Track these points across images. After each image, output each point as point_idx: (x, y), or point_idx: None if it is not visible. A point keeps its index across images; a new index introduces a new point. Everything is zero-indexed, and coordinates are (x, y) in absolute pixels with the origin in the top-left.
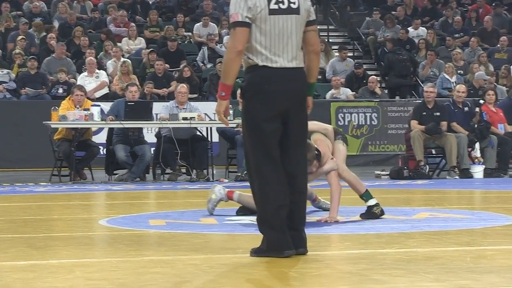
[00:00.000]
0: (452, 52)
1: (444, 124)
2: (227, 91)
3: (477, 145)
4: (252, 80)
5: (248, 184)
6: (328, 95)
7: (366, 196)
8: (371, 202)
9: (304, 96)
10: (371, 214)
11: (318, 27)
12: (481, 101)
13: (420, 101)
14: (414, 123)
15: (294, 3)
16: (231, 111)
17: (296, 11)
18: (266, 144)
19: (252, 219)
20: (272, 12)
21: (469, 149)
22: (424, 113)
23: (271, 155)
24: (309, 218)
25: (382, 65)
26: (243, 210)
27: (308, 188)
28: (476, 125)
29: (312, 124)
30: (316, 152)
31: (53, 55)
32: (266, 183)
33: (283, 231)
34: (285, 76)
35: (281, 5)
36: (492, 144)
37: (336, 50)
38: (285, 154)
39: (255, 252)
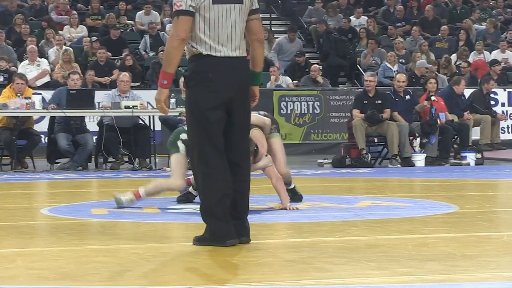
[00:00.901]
0: (394, 41)
1: (387, 111)
2: (168, 79)
3: (417, 140)
4: (196, 69)
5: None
6: (268, 84)
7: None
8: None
9: (248, 86)
10: (297, 195)
11: (262, 16)
12: (433, 98)
13: (361, 90)
14: (355, 111)
15: None
16: (172, 100)
17: (240, 1)
18: (210, 133)
19: (195, 207)
20: (215, 1)
21: (411, 138)
22: (365, 102)
23: (215, 144)
24: (254, 207)
25: (322, 47)
26: (183, 196)
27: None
28: (423, 119)
29: (252, 116)
30: (255, 148)
31: None
32: (210, 172)
33: (226, 220)
34: (229, 65)
35: None
36: (432, 142)
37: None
38: (229, 143)
39: (198, 241)
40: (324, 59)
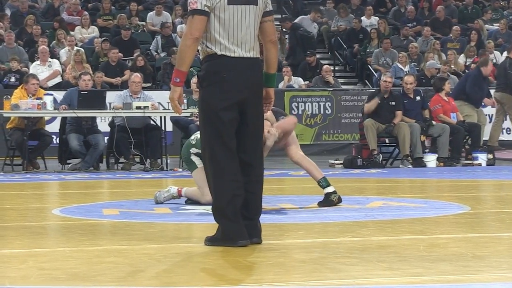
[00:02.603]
0: (408, 44)
1: (398, 115)
2: (182, 77)
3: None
4: (210, 69)
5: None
6: (280, 85)
7: (323, 182)
8: (329, 189)
9: (261, 87)
10: (329, 202)
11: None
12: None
13: (374, 90)
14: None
15: None
16: (184, 100)
17: (254, 2)
18: (222, 133)
19: (206, 208)
20: (231, 2)
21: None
22: (379, 102)
23: (227, 145)
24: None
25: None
26: (191, 200)
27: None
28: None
29: None
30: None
31: (4, 43)
32: (221, 172)
33: (238, 221)
34: (243, 66)
35: None
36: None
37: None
38: (241, 143)
39: (210, 241)
40: (290, 55)
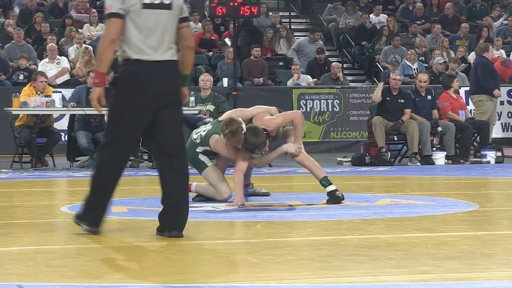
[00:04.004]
0: (414, 38)
1: (407, 112)
2: (101, 78)
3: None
4: (126, 73)
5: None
6: (289, 83)
7: (325, 181)
8: (331, 188)
9: (178, 87)
10: (336, 198)
11: (281, 14)
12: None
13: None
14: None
15: (168, 0)
16: (192, 98)
17: (169, 7)
18: (129, 129)
19: (214, 205)
20: (145, 6)
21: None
22: (388, 99)
23: (128, 140)
24: (273, 205)
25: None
26: (199, 197)
27: (241, 173)
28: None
29: (255, 108)
30: (265, 132)
31: (13, 41)
32: (106, 164)
33: (102, 213)
34: (158, 69)
35: (154, 0)
36: None
37: (299, 37)
38: (162, 139)
39: (76, 217)
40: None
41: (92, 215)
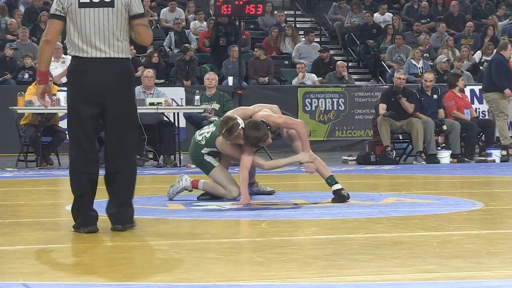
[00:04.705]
0: (418, 37)
1: (412, 106)
2: (41, 76)
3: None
4: (69, 71)
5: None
6: (294, 81)
7: (331, 180)
8: (337, 186)
9: (120, 83)
10: (341, 197)
11: (286, 12)
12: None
13: (387, 87)
14: (382, 106)
15: None
16: (197, 97)
17: (110, 4)
18: (78, 127)
19: (219, 204)
20: (82, 5)
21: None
22: (392, 99)
23: (80, 139)
24: (278, 203)
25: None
26: (204, 195)
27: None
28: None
29: (256, 106)
30: (266, 125)
31: (18, 40)
32: (73, 168)
33: (86, 213)
34: (96, 66)
35: None
36: None
37: (303, 35)
38: (107, 136)
39: (74, 227)
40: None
41: (77, 218)
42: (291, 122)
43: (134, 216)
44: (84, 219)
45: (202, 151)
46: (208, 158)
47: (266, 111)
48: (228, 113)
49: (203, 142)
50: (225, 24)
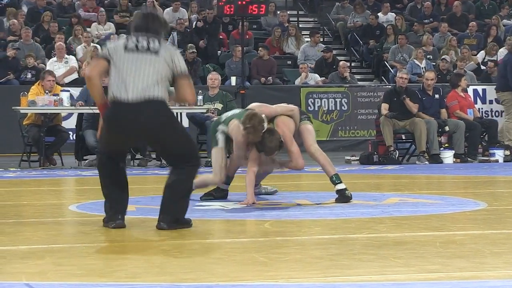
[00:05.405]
0: (422, 37)
1: (416, 107)
2: (99, 109)
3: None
4: (107, 111)
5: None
6: (297, 81)
7: (335, 178)
8: (341, 186)
9: (156, 124)
10: (345, 197)
11: (289, 12)
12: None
13: (390, 87)
14: (384, 106)
15: (153, 47)
16: (200, 97)
17: (154, 53)
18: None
19: (222, 204)
20: (128, 50)
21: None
22: (395, 99)
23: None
24: (281, 203)
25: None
26: (207, 195)
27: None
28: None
29: (278, 107)
30: (280, 140)
31: (21, 40)
32: (99, 168)
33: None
34: (131, 109)
35: (138, 45)
36: None
37: (307, 36)
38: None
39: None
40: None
41: (107, 212)
42: (296, 153)
43: (137, 216)
44: (113, 213)
45: (217, 128)
46: (219, 135)
47: (288, 123)
48: (257, 110)
49: (222, 119)
50: (203, 26)
